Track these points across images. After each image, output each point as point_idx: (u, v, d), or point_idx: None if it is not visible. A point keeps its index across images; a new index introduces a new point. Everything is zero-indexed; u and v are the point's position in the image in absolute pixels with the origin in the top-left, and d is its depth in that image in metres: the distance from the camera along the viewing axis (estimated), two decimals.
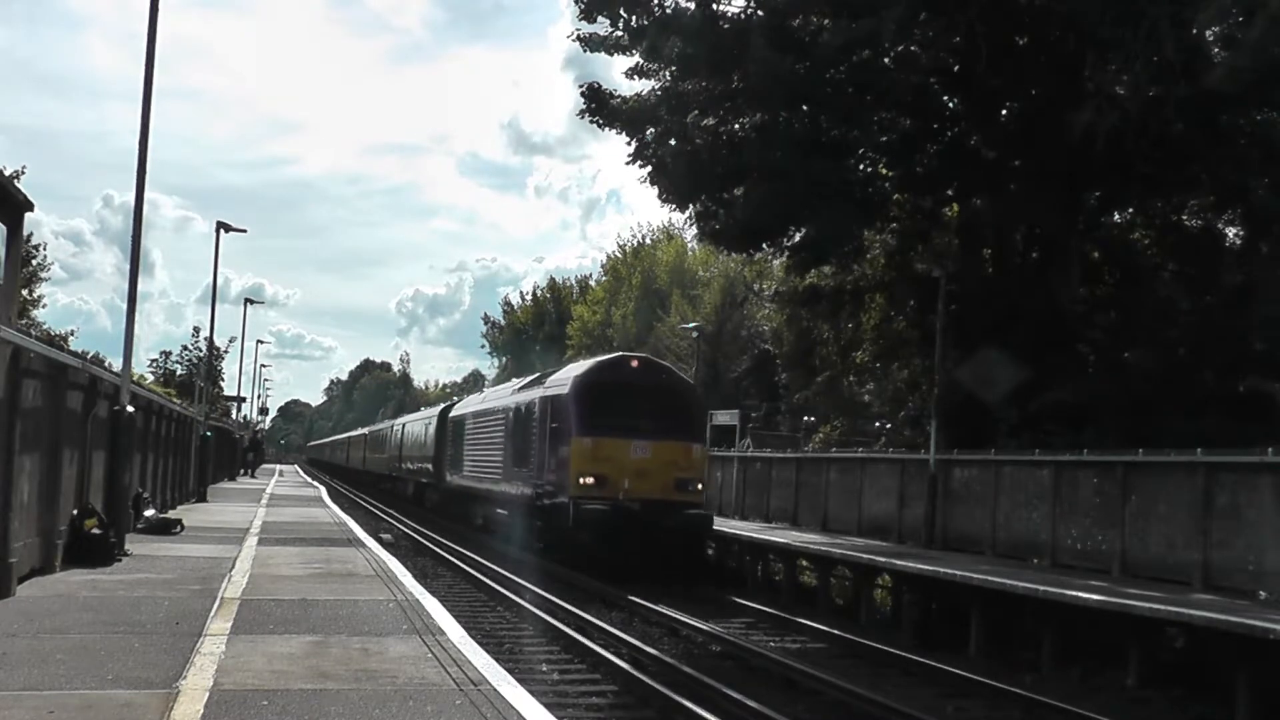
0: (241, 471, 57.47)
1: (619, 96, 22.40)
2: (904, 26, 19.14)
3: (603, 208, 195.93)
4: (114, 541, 15.04)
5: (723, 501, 28.18)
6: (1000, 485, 18.65)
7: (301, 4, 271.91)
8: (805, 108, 20.98)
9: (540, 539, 22.11)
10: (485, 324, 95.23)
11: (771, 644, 14.18)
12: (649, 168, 22.38)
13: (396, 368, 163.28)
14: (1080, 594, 12.37)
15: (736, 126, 22.01)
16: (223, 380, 56.64)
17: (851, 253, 23.73)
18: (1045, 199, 20.08)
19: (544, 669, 11.87)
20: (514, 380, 34.50)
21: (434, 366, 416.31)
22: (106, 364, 19.83)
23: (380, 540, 22.72)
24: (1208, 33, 17.51)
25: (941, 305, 20.59)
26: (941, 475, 19.93)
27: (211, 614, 10.49)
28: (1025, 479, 18.03)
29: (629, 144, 22.28)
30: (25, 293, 31.58)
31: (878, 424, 30.83)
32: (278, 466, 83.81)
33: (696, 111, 21.62)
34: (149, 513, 20.41)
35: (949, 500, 19.91)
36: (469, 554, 23.01)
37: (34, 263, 32.83)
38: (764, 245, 25.75)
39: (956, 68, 21.14)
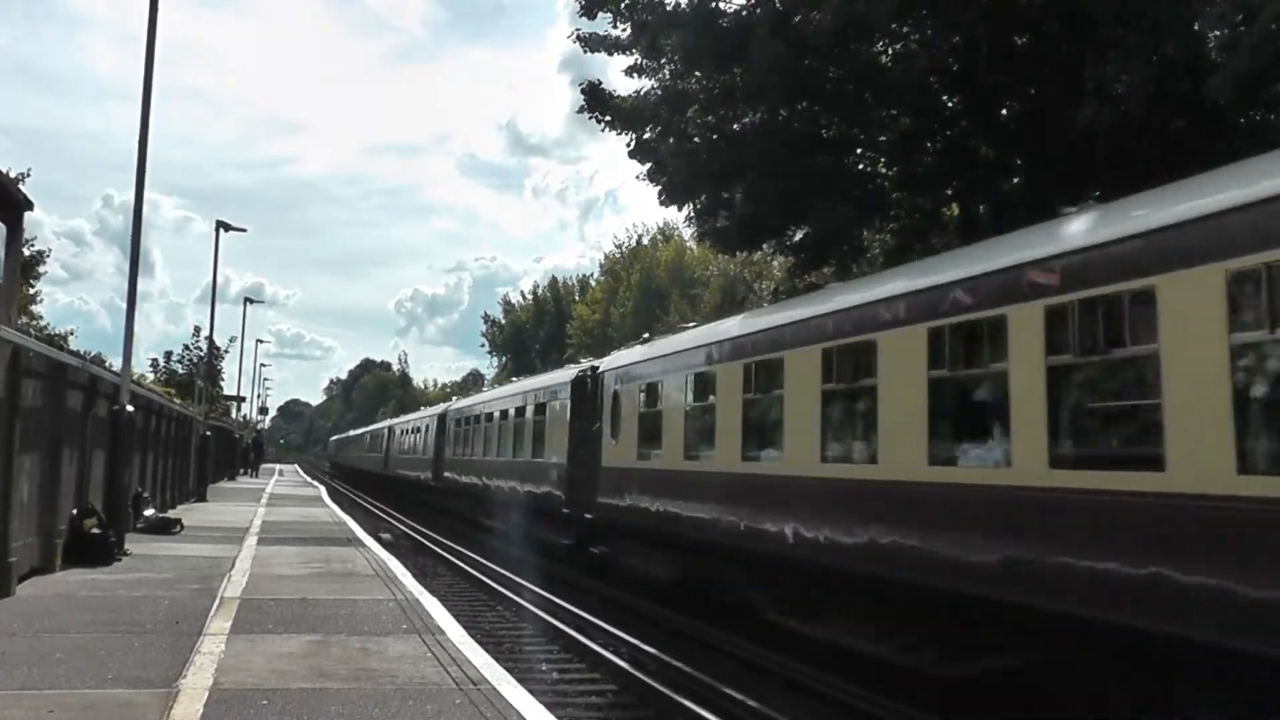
0: (243, 471, 57.54)
1: (618, 96, 22.40)
2: (898, 15, 19.13)
3: (600, 208, 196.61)
4: (114, 541, 15.06)
5: None
6: None
7: (301, 4, 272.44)
8: (805, 103, 20.98)
9: None
10: (485, 323, 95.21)
11: None
12: (648, 165, 22.38)
13: (396, 367, 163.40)
14: None
15: (736, 127, 21.99)
16: (222, 380, 56.63)
17: (851, 252, 23.73)
18: (1046, 198, 20.05)
19: (543, 668, 11.86)
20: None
21: (433, 366, 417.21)
22: (107, 364, 19.83)
23: (380, 540, 22.72)
24: (1209, 36, 17.50)
25: None
26: None
27: (211, 613, 10.49)
28: None
29: (628, 143, 22.27)
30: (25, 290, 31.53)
31: None
32: (277, 466, 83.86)
33: (696, 108, 21.61)
34: (149, 512, 20.42)
35: None
36: (468, 553, 23.00)
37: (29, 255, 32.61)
38: (763, 245, 25.64)
39: (956, 67, 21.13)
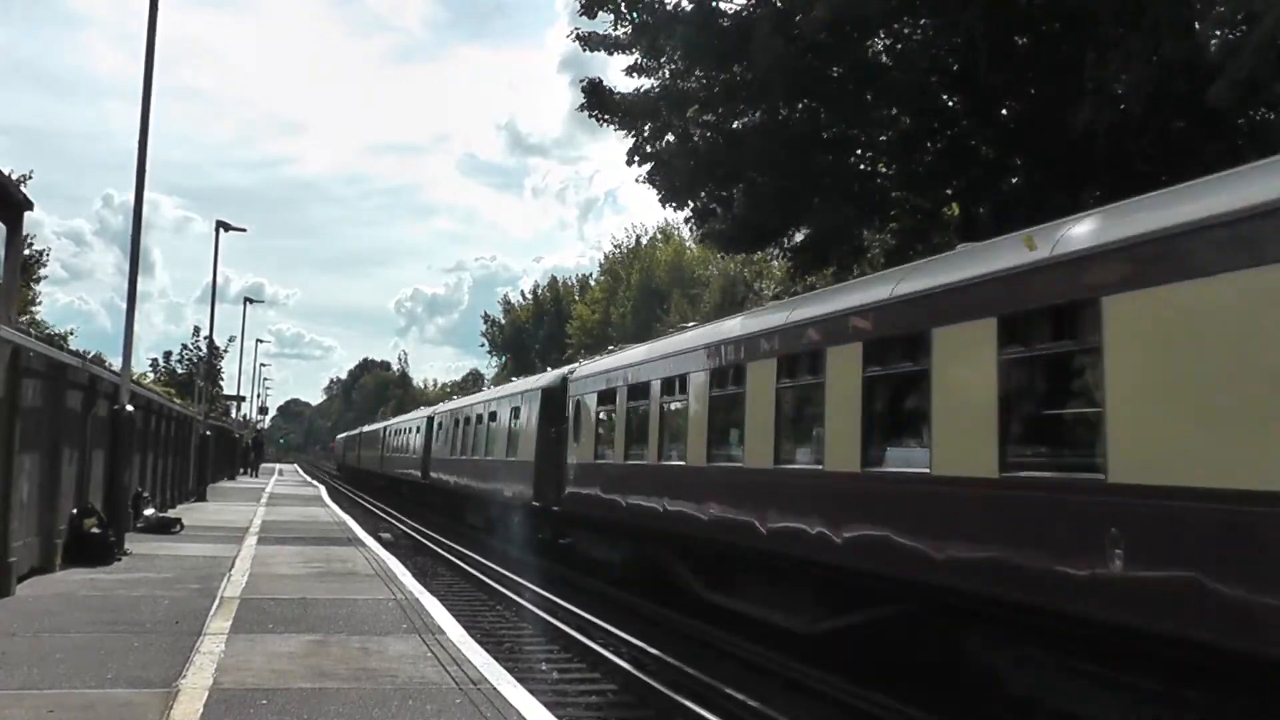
0: (243, 470, 57.53)
1: (618, 94, 22.39)
2: (895, 10, 19.17)
3: (600, 208, 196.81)
4: (113, 540, 15.05)
5: None
6: None
7: (301, 4, 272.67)
8: (806, 102, 20.99)
9: None
10: (485, 323, 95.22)
11: None
12: (648, 165, 22.36)
13: (396, 367, 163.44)
14: None
15: (736, 126, 21.98)
16: (222, 380, 56.64)
17: (851, 252, 23.72)
18: (1045, 198, 20.06)
19: (543, 668, 11.86)
20: None
21: (432, 366, 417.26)
22: (107, 364, 19.83)
23: (380, 539, 22.72)
24: (1211, 41, 17.51)
25: None
26: None
27: (211, 613, 10.49)
28: None
29: (628, 151, 22.24)
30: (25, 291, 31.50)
31: None
32: (277, 466, 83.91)
33: (696, 107, 21.60)
34: (148, 512, 20.42)
35: None
36: (468, 553, 23.00)
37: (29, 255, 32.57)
38: (763, 246, 25.64)
39: (956, 67, 21.13)
